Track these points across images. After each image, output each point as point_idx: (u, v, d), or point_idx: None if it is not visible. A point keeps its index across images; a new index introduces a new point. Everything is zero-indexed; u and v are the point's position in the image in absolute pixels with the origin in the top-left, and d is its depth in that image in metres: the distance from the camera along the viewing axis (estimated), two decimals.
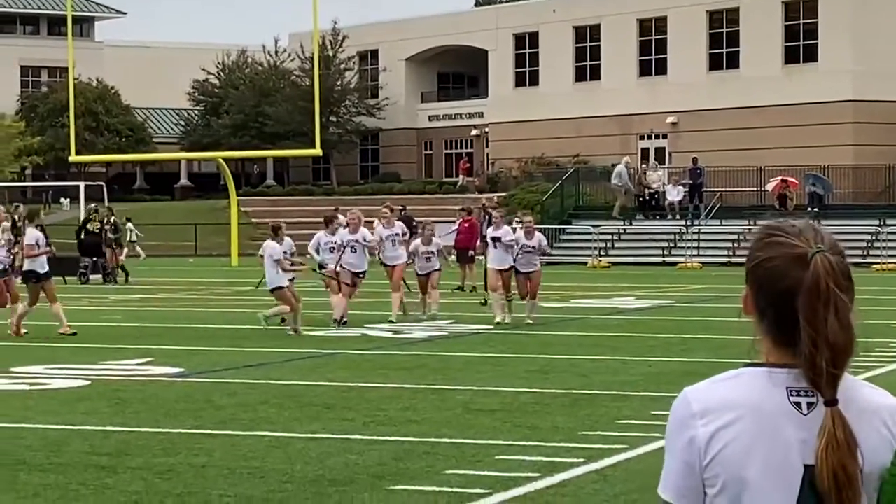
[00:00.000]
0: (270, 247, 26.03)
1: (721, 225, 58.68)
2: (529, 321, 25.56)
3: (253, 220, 67.58)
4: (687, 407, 2.44)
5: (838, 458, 2.29)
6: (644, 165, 66.71)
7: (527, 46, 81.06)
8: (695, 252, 55.78)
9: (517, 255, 25.74)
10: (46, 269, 24.88)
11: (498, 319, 26.29)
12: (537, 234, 23.74)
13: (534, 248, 26.03)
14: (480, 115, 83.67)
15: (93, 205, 53.04)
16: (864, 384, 2.49)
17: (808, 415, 2.37)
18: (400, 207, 56.61)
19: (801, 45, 68.65)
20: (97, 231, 46.41)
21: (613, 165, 64.99)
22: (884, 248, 52.36)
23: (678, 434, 2.45)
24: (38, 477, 11.59)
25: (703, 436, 2.39)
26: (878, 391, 2.49)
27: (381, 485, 11.51)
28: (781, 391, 2.40)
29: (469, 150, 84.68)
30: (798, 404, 2.39)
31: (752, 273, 2.49)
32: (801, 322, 2.31)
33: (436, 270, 28.41)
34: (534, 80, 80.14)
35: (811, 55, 68.02)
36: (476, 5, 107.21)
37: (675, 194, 62.54)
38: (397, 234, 28.49)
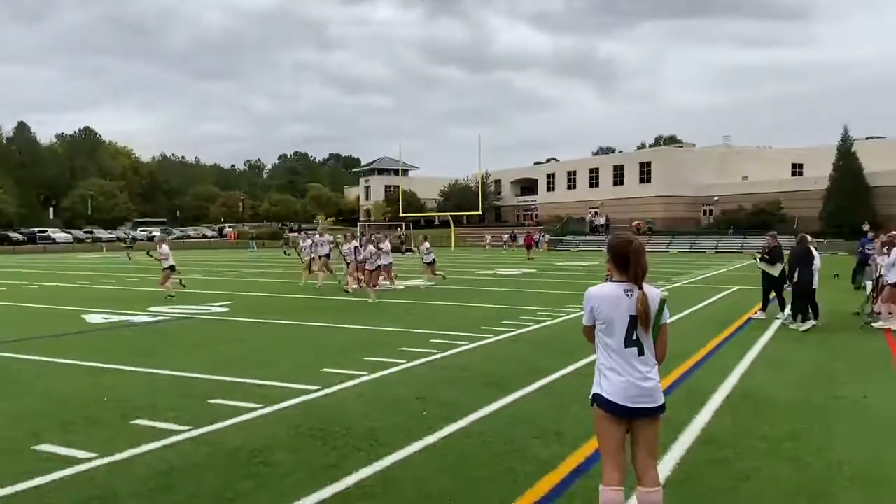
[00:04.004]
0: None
1: None
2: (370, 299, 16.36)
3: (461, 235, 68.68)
4: (588, 293, 3.56)
5: (645, 306, 3.42)
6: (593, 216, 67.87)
7: (571, 178, 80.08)
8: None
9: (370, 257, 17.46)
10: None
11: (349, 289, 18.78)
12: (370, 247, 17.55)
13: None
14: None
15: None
16: (649, 285, 3.51)
17: (630, 297, 3.44)
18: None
19: (645, 177, 70.14)
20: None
21: (591, 218, 67.51)
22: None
23: (587, 302, 3.56)
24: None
25: (595, 303, 3.52)
26: (653, 287, 3.56)
27: (394, 346, 9.89)
28: (620, 287, 3.47)
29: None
30: (627, 292, 3.46)
31: (610, 248, 3.57)
32: (630, 263, 3.44)
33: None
34: (573, 185, 78.84)
35: (647, 179, 69.69)
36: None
37: (601, 221, 64.52)
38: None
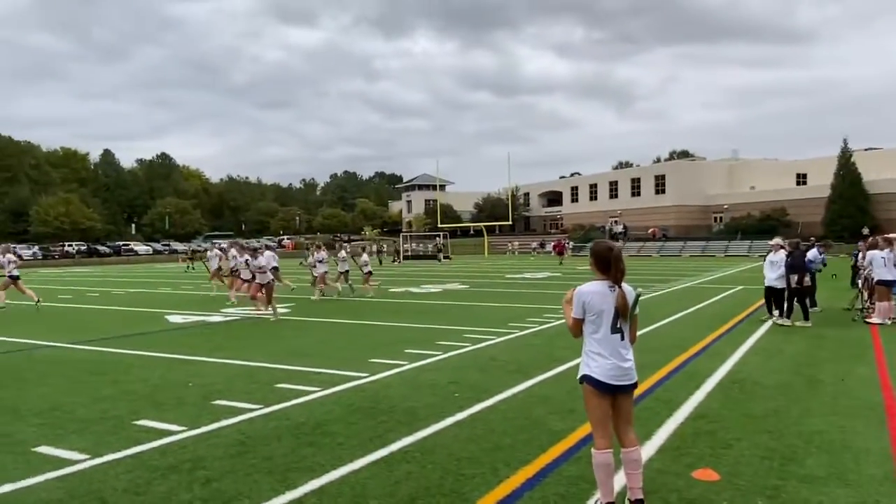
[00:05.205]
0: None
1: (632, 244, 58.56)
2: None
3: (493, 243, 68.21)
4: (579, 290, 3.76)
5: (623, 300, 3.67)
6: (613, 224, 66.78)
7: (592, 191, 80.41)
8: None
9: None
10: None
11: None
12: (261, 257, 14.36)
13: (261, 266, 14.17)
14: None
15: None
16: (625, 283, 3.76)
17: (613, 292, 3.70)
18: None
19: (660, 188, 69.62)
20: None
21: (610, 226, 66.33)
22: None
23: (578, 298, 3.76)
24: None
25: (587, 298, 3.72)
26: (629, 285, 3.79)
27: (432, 341, 10.81)
28: (605, 284, 3.71)
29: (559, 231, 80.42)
30: (611, 288, 3.71)
31: (593, 253, 3.81)
32: (611, 265, 3.69)
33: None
34: (594, 197, 78.76)
35: (662, 190, 69.08)
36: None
37: (620, 229, 63.58)
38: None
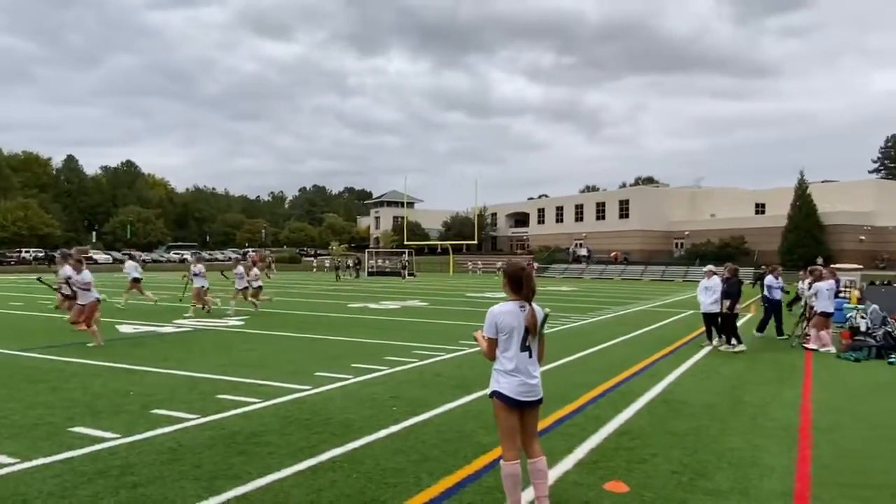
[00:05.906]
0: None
1: (595, 266, 57.99)
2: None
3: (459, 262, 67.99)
4: (492, 311, 3.90)
5: (533, 318, 3.81)
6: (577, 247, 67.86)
7: (559, 213, 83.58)
8: (580, 274, 55.81)
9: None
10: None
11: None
12: (86, 272, 11.64)
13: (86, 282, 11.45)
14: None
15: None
16: (535, 303, 3.92)
17: (523, 311, 3.84)
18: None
19: (624, 213, 71.33)
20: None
21: (574, 249, 67.84)
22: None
23: (492, 318, 3.89)
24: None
25: (499, 319, 3.85)
26: (538, 305, 3.93)
27: (380, 356, 11.11)
28: (516, 305, 3.85)
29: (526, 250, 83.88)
30: (521, 307, 3.84)
31: (506, 273, 3.95)
32: (523, 285, 3.85)
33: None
34: (560, 220, 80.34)
35: (626, 215, 70.77)
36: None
37: (584, 252, 65.52)
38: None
